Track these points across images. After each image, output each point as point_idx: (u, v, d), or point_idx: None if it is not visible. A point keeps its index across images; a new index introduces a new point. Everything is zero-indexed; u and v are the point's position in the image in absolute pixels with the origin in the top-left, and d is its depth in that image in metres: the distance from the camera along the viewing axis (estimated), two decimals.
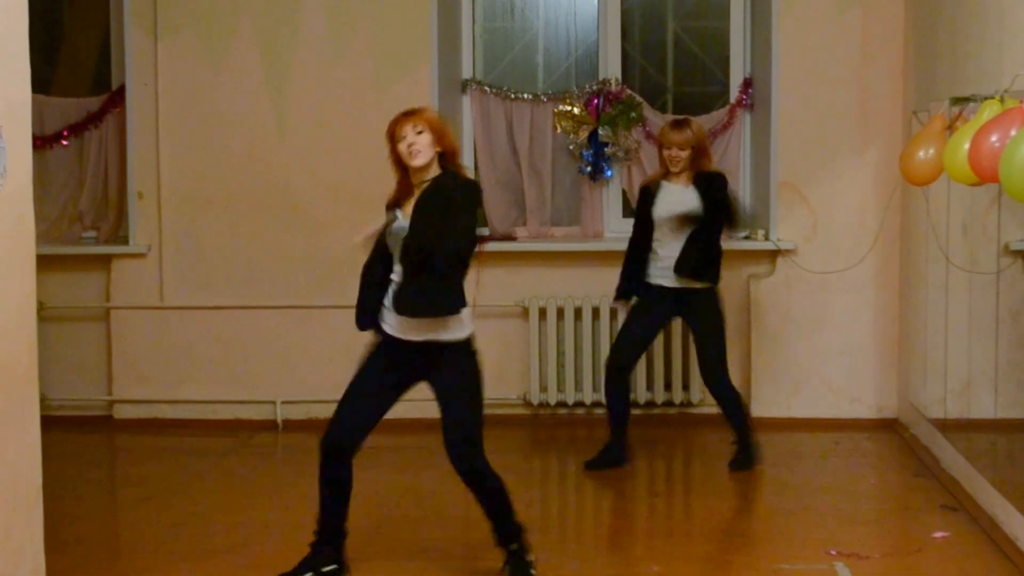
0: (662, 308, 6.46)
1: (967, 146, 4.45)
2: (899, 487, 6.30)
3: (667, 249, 6.33)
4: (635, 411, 7.09)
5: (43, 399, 4.75)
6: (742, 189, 7.65)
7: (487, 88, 7.72)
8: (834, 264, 7.34)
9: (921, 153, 5.23)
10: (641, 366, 7.39)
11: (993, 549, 5.16)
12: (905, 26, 7.14)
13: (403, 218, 4.71)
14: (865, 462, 6.73)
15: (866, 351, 7.40)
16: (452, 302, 4.67)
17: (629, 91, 7.66)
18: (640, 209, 6.48)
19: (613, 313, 7.36)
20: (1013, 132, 4.09)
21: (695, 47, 7.88)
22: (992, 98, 4.62)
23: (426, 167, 4.69)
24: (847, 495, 6.09)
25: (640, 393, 7.39)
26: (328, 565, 4.84)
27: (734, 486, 6.38)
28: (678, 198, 6.32)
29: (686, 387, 7.49)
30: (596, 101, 7.66)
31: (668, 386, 7.50)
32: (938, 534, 5.38)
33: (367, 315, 4.77)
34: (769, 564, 5.04)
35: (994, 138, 4.20)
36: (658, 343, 7.36)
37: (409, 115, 4.71)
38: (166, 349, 7.59)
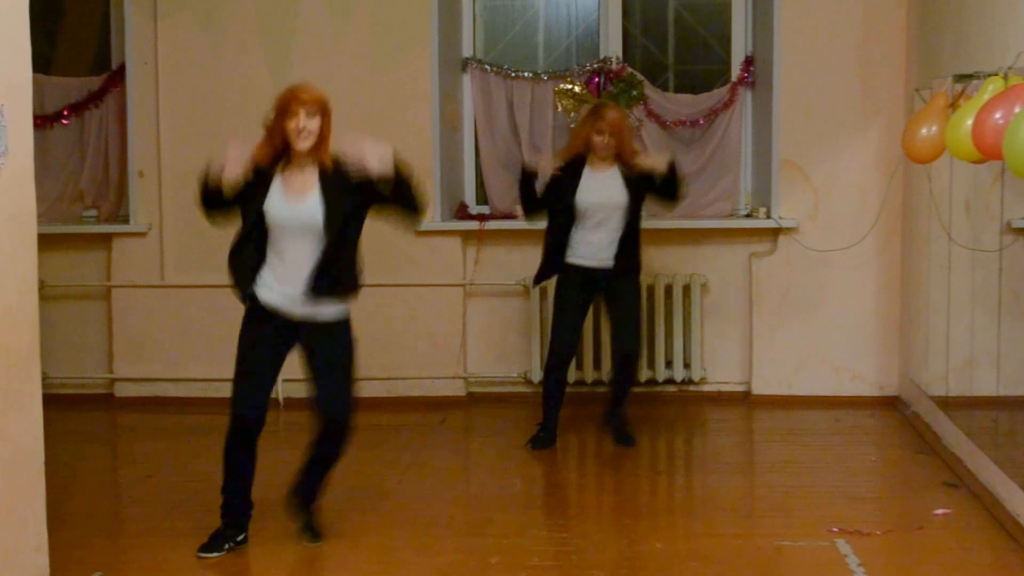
0: (588, 290, 6.42)
1: (970, 123, 4.42)
2: (901, 464, 6.31)
3: (592, 234, 6.29)
4: (637, 389, 7.09)
5: (45, 377, 4.75)
6: (743, 167, 7.64)
7: (487, 67, 7.69)
8: (836, 242, 7.33)
9: (924, 130, 5.22)
10: (644, 345, 7.39)
11: (995, 526, 5.17)
12: (908, 2, 7.12)
13: (295, 203, 4.72)
14: (866, 440, 6.73)
15: (868, 329, 7.40)
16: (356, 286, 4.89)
17: (630, 69, 7.63)
18: (557, 195, 6.32)
19: None
20: (1017, 109, 4.07)
21: (696, 25, 7.85)
22: (996, 75, 4.60)
23: (308, 151, 4.74)
24: (848, 473, 6.09)
25: (641, 371, 7.39)
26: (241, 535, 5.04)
27: (736, 464, 6.40)
28: (603, 184, 6.28)
29: (687, 365, 7.50)
30: (597, 79, 7.63)
31: (669, 364, 7.50)
32: (939, 511, 5.39)
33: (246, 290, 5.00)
34: (771, 541, 5.05)
35: (998, 115, 4.18)
36: (660, 321, 7.38)
37: (307, 95, 4.70)
38: (167, 327, 7.59)
